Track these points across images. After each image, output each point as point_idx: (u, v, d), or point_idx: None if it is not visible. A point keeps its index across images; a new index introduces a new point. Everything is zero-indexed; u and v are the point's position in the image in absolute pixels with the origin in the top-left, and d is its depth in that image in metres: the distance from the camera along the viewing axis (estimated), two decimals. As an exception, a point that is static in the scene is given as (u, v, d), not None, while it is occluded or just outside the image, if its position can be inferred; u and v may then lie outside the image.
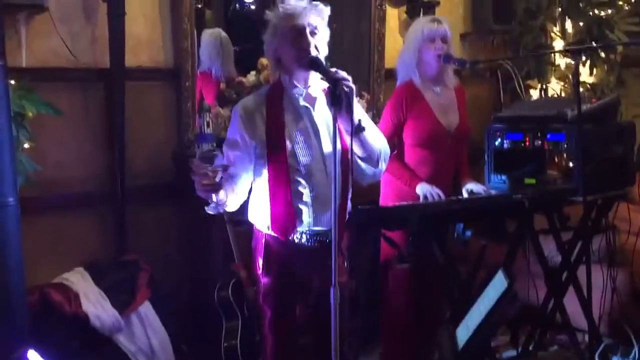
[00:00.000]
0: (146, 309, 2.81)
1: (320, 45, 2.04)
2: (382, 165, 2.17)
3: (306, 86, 2.09)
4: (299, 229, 2.09)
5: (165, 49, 3.16)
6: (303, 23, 2.02)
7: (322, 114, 2.11)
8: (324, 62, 2.00)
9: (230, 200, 2.03)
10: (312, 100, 2.10)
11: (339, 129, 2.01)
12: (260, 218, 2.14)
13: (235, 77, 3.42)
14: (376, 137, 2.14)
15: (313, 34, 2.03)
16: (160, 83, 3.17)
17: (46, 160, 2.79)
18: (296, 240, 2.10)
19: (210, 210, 2.03)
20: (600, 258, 3.22)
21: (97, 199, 2.99)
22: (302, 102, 2.09)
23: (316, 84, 2.10)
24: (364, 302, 2.82)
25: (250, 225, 2.21)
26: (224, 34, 3.38)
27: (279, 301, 2.17)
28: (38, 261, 2.73)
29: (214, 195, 1.94)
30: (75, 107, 2.92)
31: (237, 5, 3.49)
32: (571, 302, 2.94)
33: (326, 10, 2.07)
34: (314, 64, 2.00)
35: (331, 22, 2.10)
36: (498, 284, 1.90)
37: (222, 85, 3.40)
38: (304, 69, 2.04)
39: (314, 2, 2.06)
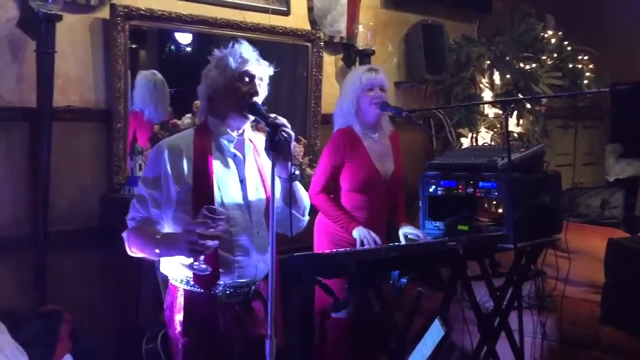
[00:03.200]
0: (67, 362, 2.64)
1: (260, 97, 2.02)
2: (307, 217, 2.16)
3: (238, 134, 2.05)
4: (222, 281, 1.99)
5: (96, 89, 3.07)
6: (255, 72, 2.01)
7: (250, 163, 2.08)
8: (262, 108, 1.98)
9: None
10: (242, 148, 2.06)
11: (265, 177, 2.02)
12: (177, 271, 2.02)
13: (170, 119, 3.35)
14: (302, 189, 2.14)
15: (258, 84, 2.02)
16: (90, 124, 3.06)
17: (-40, 203, 2.63)
18: (219, 294, 1.99)
19: (201, 270, 1.87)
20: (530, 304, 3.30)
21: (16, 244, 2.82)
22: (231, 149, 2.05)
23: (248, 132, 2.08)
24: (297, 352, 2.75)
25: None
26: (159, 76, 3.31)
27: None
28: (-53, 312, 2.53)
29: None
30: (-3, 148, 2.78)
31: (173, 47, 3.44)
32: (503, 347, 2.98)
33: (271, 70, 2.07)
34: (253, 109, 1.97)
35: (273, 68, 2.09)
36: (435, 333, 1.89)
37: (156, 127, 3.32)
38: (241, 115, 2.00)
39: (262, 59, 2.05)
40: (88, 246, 3.01)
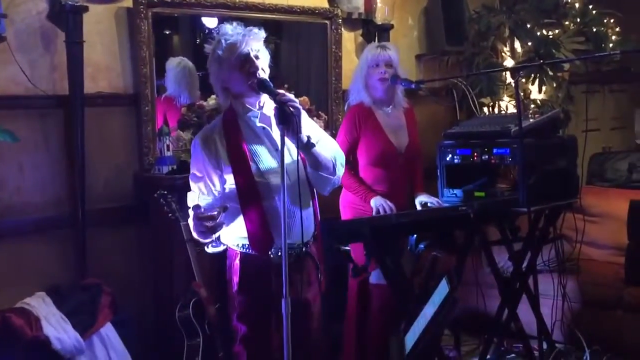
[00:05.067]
0: (108, 330, 2.83)
1: (264, 67, 2.14)
2: (339, 171, 2.26)
3: (259, 108, 2.18)
4: (275, 244, 2.16)
5: (124, 75, 3.22)
6: (247, 50, 2.12)
7: (278, 131, 2.20)
8: (271, 84, 2.09)
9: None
10: (267, 120, 2.19)
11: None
12: (234, 238, 2.23)
13: (197, 102, 3.49)
14: (328, 147, 2.24)
15: (257, 57, 2.13)
16: (119, 108, 3.22)
17: (5, 187, 2.84)
18: (272, 256, 2.17)
19: (210, 249, 2.21)
20: (550, 267, 3.35)
21: (58, 223, 3.01)
22: (258, 124, 2.18)
23: (268, 104, 2.19)
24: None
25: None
26: (189, 62, 3.42)
27: (255, 317, 2.22)
28: (-1, 286, 2.75)
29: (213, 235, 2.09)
30: (35, 134, 2.95)
31: (206, 31, 3.56)
32: (525, 310, 3.05)
33: (262, 34, 2.17)
34: (262, 86, 2.09)
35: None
36: (442, 290, 1.99)
37: (183, 110, 3.46)
38: (254, 92, 2.13)
39: (250, 28, 2.15)
40: (124, 223, 3.19)
